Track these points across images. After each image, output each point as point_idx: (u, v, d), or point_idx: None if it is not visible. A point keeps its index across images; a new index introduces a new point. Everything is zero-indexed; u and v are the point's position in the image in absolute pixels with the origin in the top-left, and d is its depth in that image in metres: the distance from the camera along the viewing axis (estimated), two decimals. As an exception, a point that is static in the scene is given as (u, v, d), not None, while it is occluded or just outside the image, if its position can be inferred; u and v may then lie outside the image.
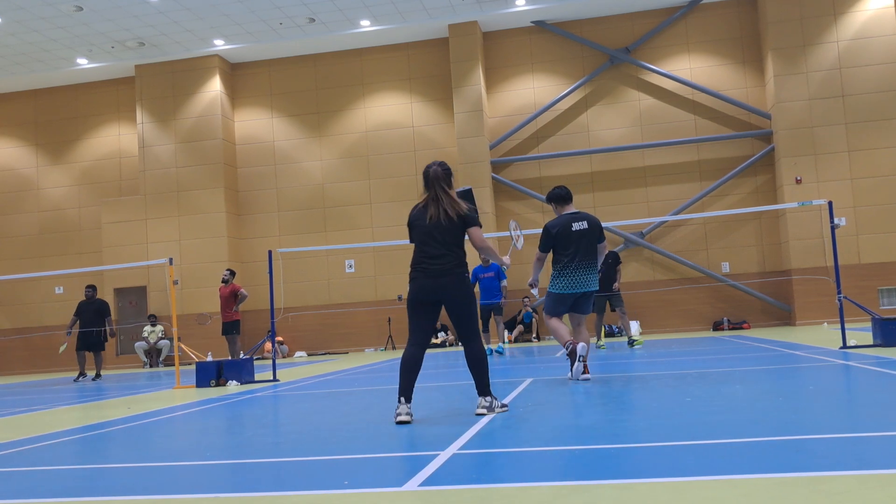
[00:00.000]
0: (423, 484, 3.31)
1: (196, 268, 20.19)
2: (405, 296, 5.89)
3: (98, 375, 15.00)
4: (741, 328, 18.21)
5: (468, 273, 5.43)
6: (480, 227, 5.49)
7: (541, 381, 7.83)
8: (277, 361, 17.44)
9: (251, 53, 20.88)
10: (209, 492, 3.48)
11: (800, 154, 18.12)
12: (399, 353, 17.37)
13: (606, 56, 19.76)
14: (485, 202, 18.92)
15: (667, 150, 19.36)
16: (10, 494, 3.69)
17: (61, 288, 21.60)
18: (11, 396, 11.59)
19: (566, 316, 7.82)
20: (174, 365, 12.30)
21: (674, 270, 19.22)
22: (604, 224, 8.16)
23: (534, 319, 19.12)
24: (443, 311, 5.47)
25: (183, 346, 12.28)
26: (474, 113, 19.49)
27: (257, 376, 11.04)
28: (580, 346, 7.26)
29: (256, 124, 21.32)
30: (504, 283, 13.97)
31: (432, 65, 20.56)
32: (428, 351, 16.89)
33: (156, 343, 20.02)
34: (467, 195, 5.88)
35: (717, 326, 18.51)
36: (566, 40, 20.02)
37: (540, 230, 7.85)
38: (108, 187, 21.92)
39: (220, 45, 20.19)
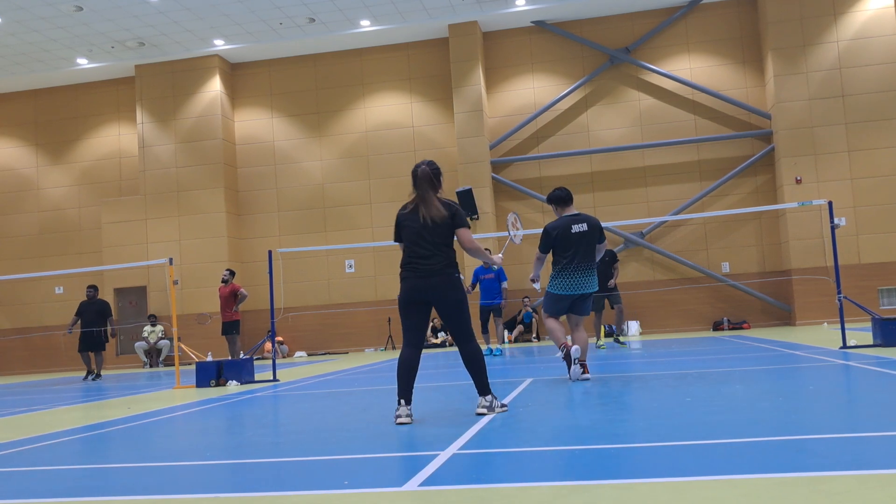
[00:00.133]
0: (423, 484, 3.31)
1: (196, 268, 20.19)
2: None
3: (98, 375, 15.01)
4: (741, 328, 18.20)
5: (459, 273, 5.42)
6: (469, 227, 5.48)
7: (541, 381, 7.83)
8: (277, 361, 17.43)
9: (251, 53, 20.88)
10: (209, 492, 3.48)
11: (800, 154, 18.12)
12: (398, 353, 17.35)
13: (606, 56, 19.76)
14: (485, 202, 18.92)
15: (667, 150, 19.36)
16: (10, 494, 3.69)
17: (61, 288, 21.60)
18: (11, 396, 11.59)
19: (565, 317, 7.85)
20: (174, 365, 12.30)
21: (674, 270, 19.22)
22: (604, 224, 8.17)
23: (534, 319, 19.11)
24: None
25: (183, 346, 12.29)
26: (474, 113, 19.48)
27: (257, 376, 11.04)
28: (574, 349, 7.31)
29: (256, 124, 21.32)
30: (505, 284, 13.97)
31: (432, 65, 20.56)
32: (427, 351, 16.92)
33: (156, 343, 20.02)
34: (467, 195, 5.88)
35: (717, 326, 18.51)
36: (566, 40, 20.02)
37: (540, 230, 7.86)
38: (108, 187, 21.92)
39: (220, 45, 20.19)
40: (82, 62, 20.67)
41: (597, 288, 7.59)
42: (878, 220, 17.79)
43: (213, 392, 9.47)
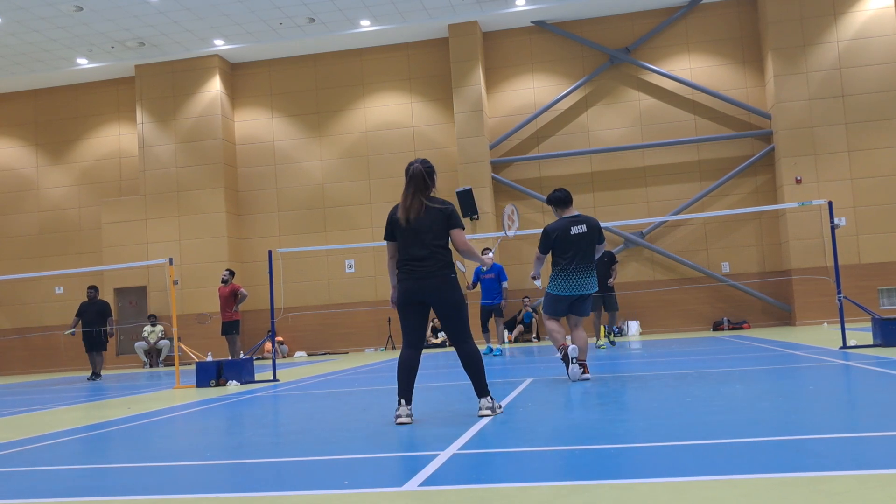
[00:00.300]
0: (423, 484, 3.31)
1: (196, 268, 20.19)
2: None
3: (98, 375, 15.03)
4: (741, 328, 18.20)
5: (455, 274, 5.41)
6: (463, 229, 5.48)
7: (541, 381, 7.83)
8: (277, 361, 17.43)
9: (251, 53, 20.88)
10: (209, 492, 3.48)
11: (800, 154, 18.12)
12: (398, 353, 17.35)
13: (606, 56, 19.76)
14: (485, 202, 18.91)
15: (667, 150, 19.36)
16: (10, 494, 3.69)
17: (61, 288, 21.60)
18: (11, 396, 11.59)
19: (565, 318, 7.88)
20: (174, 365, 12.30)
21: (674, 270, 19.22)
22: (604, 224, 8.20)
23: (534, 319, 19.11)
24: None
25: (183, 346, 12.29)
26: (474, 113, 19.48)
27: (257, 376, 11.04)
28: (572, 349, 7.35)
29: (256, 124, 21.32)
30: (505, 284, 13.97)
31: (432, 65, 20.56)
32: (427, 351, 16.91)
33: (156, 343, 20.02)
34: (467, 195, 5.88)
35: (717, 326, 18.51)
36: (566, 40, 20.02)
37: (540, 230, 7.88)
38: (108, 187, 21.92)
39: (220, 45, 20.19)
40: (82, 62, 20.67)
41: (596, 289, 7.61)
42: (878, 220, 17.79)
43: (213, 392, 9.47)
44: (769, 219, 18.95)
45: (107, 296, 20.19)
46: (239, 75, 21.47)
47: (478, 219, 18.64)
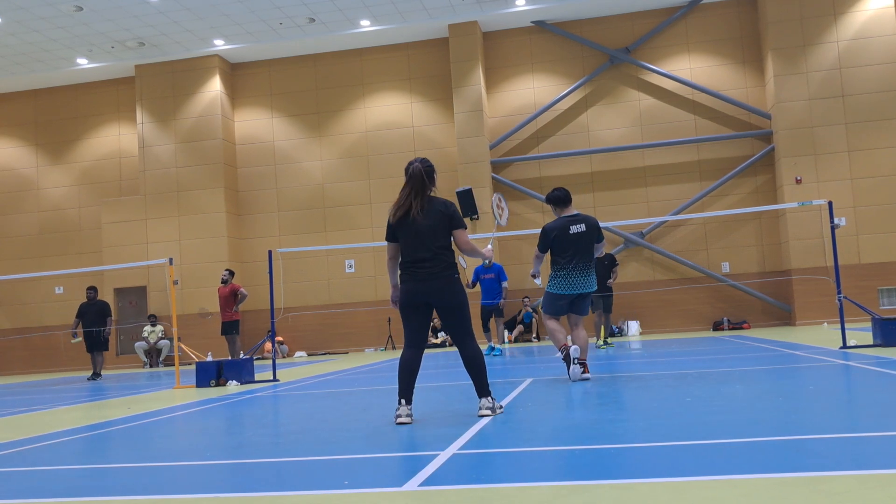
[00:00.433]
0: (423, 484, 3.31)
1: (196, 268, 20.19)
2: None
3: (98, 375, 15.06)
4: (741, 328, 18.20)
5: (458, 274, 5.41)
6: (466, 228, 5.47)
7: (541, 381, 7.84)
8: (277, 361, 17.43)
9: (251, 53, 20.88)
10: (209, 492, 3.48)
11: (800, 154, 18.12)
12: (399, 353, 17.35)
13: (606, 56, 19.76)
14: (485, 202, 18.91)
15: (667, 150, 19.36)
16: (10, 494, 3.69)
17: (61, 288, 21.60)
18: (11, 396, 11.59)
19: (564, 317, 7.89)
20: (174, 365, 12.30)
21: (674, 270, 19.22)
22: (604, 224, 8.22)
23: (534, 319, 19.11)
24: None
25: (183, 346, 12.29)
26: (474, 113, 19.49)
27: (257, 376, 11.04)
28: (573, 349, 7.36)
29: (256, 124, 21.32)
30: (505, 284, 13.98)
31: (432, 65, 20.56)
32: (427, 351, 16.91)
33: (156, 343, 20.02)
34: (467, 195, 5.88)
35: (717, 326, 18.51)
36: (566, 40, 20.02)
37: (539, 230, 7.89)
38: (108, 187, 21.92)
39: (220, 45, 20.19)
40: (82, 62, 20.67)
41: (595, 287, 7.62)
42: (878, 220, 17.79)
43: (213, 392, 9.47)
44: (769, 219, 18.95)
45: (107, 296, 20.20)
46: (239, 75, 21.47)
47: (478, 219, 18.63)
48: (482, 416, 5.26)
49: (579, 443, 4.06)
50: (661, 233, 19.38)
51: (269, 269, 10.78)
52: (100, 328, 14.94)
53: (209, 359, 11.17)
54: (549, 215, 18.32)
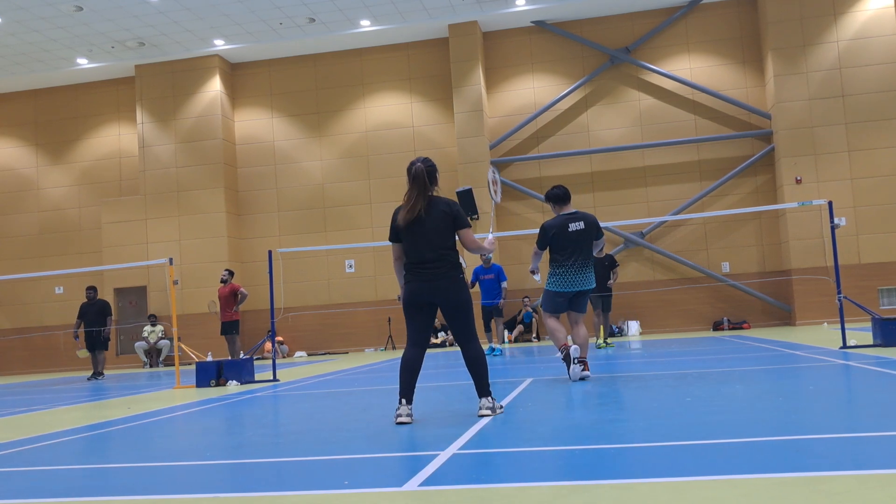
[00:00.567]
0: (423, 484, 3.31)
1: (196, 268, 20.19)
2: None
3: (101, 374, 15.14)
4: (741, 328, 18.20)
5: (463, 274, 5.41)
6: (470, 227, 5.48)
7: (541, 381, 7.83)
8: (277, 361, 17.43)
9: (251, 53, 20.88)
10: (209, 492, 3.48)
11: (800, 154, 18.12)
12: (399, 353, 17.37)
13: (606, 56, 19.76)
14: (485, 202, 18.90)
15: (667, 150, 19.36)
16: (10, 494, 3.69)
17: (61, 288, 21.60)
18: (11, 396, 11.59)
19: (564, 316, 7.91)
20: (174, 365, 12.30)
21: (674, 270, 19.22)
22: (604, 224, 8.24)
23: (534, 319, 19.11)
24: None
25: (183, 346, 12.29)
26: (474, 113, 19.49)
27: (257, 376, 11.04)
28: (573, 349, 7.37)
29: (256, 124, 21.32)
30: (504, 284, 14.00)
31: (432, 65, 20.56)
32: (428, 351, 16.92)
33: (156, 343, 20.02)
34: (467, 195, 5.89)
35: (717, 326, 18.51)
36: (566, 40, 20.02)
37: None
38: (108, 187, 21.92)
39: (220, 45, 20.19)
40: (82, 62, 20.67)
41: (594, 285, 7.65)
42: (878, 220, 17.79)
43: (213, 392, 9.47)
44: (769, 219, 18.95)
45: (107, 296, 20.20)
46: (239, 75, 21.46)
47: (478, 218, 18.42)
48: (482, 416, 5.26)
49: (579, 443, 4.06)
50: (661, 233, 19.38)
51: (269, 269, 10.78)
52: (100, 328, 14.97)
53: (209, 359, 11.17)
54: (548, 215, 18.32)
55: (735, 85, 19.33)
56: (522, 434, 4.53)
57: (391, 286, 19.95)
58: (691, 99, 19.43)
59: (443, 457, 3.89)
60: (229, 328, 15.00)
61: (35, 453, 5.10)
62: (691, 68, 19.49)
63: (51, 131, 22.29)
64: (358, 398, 7.47)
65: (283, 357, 20.00)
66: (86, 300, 15.40)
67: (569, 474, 3.35)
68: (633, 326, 18.64)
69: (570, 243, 7.48)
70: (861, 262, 17.68)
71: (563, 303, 7.62)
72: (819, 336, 12.88)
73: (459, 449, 4.11)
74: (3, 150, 22.49)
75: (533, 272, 7.92)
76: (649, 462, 3.48)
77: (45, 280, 21.30)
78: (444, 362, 12.39)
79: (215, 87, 20.65)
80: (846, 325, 10.12)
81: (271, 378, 10.71)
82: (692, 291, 19.03)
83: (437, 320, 18.80)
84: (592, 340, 14.14)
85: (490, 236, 6.07)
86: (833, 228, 10.12)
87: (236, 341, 15.08)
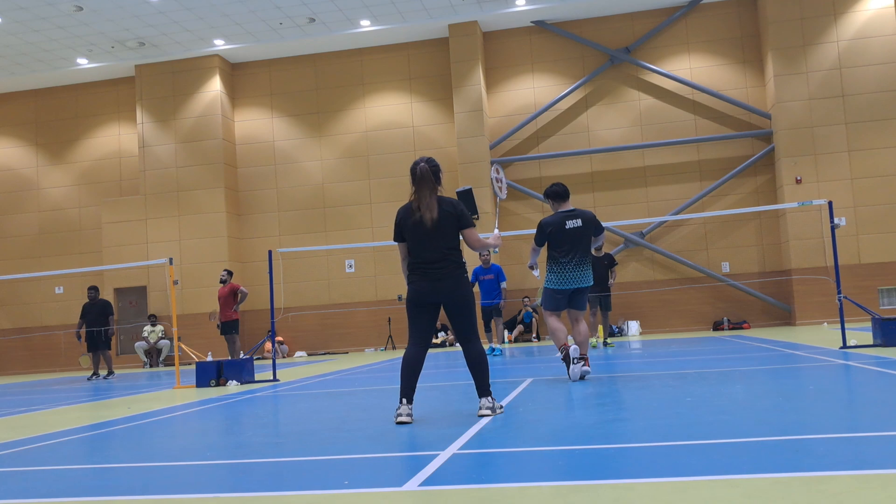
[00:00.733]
0: (423, 484, 3.31)
1: (196, 268, 20.19)
2: (405, 296, 5.89)
3: (110, 372, 15.26)
4: (741, 328, 18.20)
5: (467, 273, 5.42)
6: (474, 227, 5.49)
7: (541, 381, 7.84)
8: (277, 361, 17.43)
9: (251, 53, 20.88)
10: (209, 492, 3.48)
11: (800, 154, 18.12)
12: (399, 353, 17.37)
13: (606, 56, 19.76)
14: (485, 202, 18.92)
15: (667, 150, 19.36)
16: (10, 494, 3.69)
17: (61, 288, 21.60)
18: (11, 396, 11.59)
19: (566, 315, 7.94)
20: (174, 365, 12.31)
21: (674, 270, 19.22)
22: (604, 224, 8.25)
23: (534, 319, 19.11)
24: (442, 311, 5.46)
25: (183, 346, 12.30)
26: (474, 113, 19.49)
27: (257, 376, 11.04)
28: (573, 349, 7.39)
29: (256, 124, 21.32)
30: (504, 284, 14.01)
31: (432, 65, 20.56)
32: (428, 351, 16.93)
33: (156, 343, 20.02)
34: (468, 195, 5.89)
35: (717, 326, 18.51)
36: (566, 40, 20.02)
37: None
38: (108, 187, 21.93)
39: (220, 45, 20.19)
40: (82, 62, 20.67)
41: (592, 282, 7.69)
42: (878, 220, 17.79)
43: (213, 392, 9.47)
44: (769, 219, 18.95)
45: (107, 296, 20.22)
46: (239, 75, 21.46)
47: (478, 218, 18.54)
48: (482, 415, 5.26)
49: (579, 443, 4.06)
50: (661, 233, 19.38)
51: (269, 269, 10.78)
52: (103, 328, 15.00)
53: (209, 359, 11.17)
54: (549, 214, 18.31)
55: (735, 85, 19.33)
56: (522, 434, 4.53)
57: (391, 286, 19.96)
58: (691, 99, 19.43)
59: (443, 457, 3.89)
60: (229, 328, 15.00)
61: (35, 453, 5.10)
62: (691, 68, 19.49)
63: (51, 131, 22.29)
64: (358, 398, 7.47)
65: (283, 357, 20.00)
66: (88, 300, 15.42)
67: (569, 474, 3.35)
68: (633, 326, 18.64)
69: (568, 241, 7.53)
70: (861, 262, 17.68)
71: (563, 300, 7.67)
72: (819, 336, 12.88)
73: (459, 449, 4.11)
74: (3, 150, 22.49)
75: (531, 267, 8.00)
76: (649, 462, 3.48)
77: (45, 280, 21.30)
78: (444, 362, 12.39)
79: (215, 87, 20.65)
80: (846, 325, 10.12)
81: (271, 378, 10.71)
82: (692, 291, 19.04)
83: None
84: (591, 340, 14.13)
85: (496, 231, 6.10)
86: (833, 228, 10.12)
87: (236, 341, 15.09)
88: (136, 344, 20.08)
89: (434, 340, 19.13)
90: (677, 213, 18.74)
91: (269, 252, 10.94)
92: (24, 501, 3.52)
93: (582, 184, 19.41)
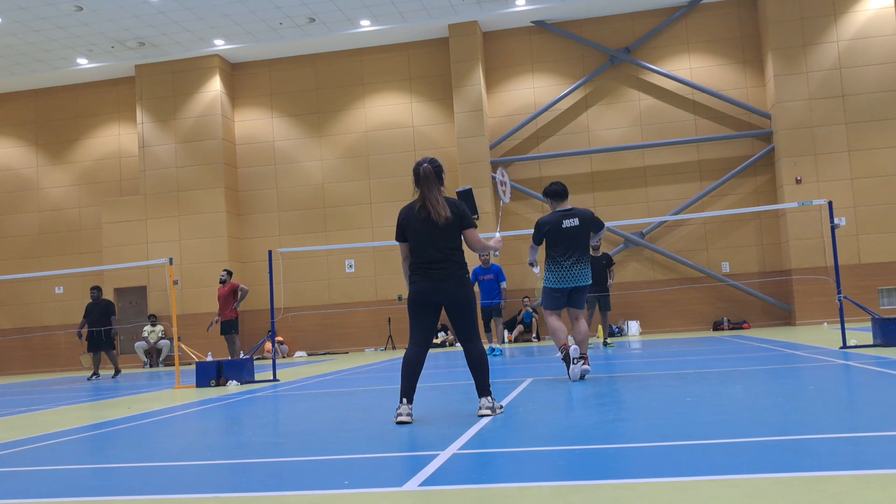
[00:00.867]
0: (423, 484, 3.31)
1: (196, 268, 20.19)
2: (405, 296, 5.90)
3: (118, 371, 15.34)
4: (741, 328, 18.20)
5: (468, 273, 5.43)
6: (476, 227, 5.50)
7: (541, 381, 7.84)
8: (277, 361, 17.43)
9: (251, 53, 20.88)
10: (209, 492, 3.48)
11: (800, 154, 18.12)
12: (399, 353, 17.37)
13: (606, 56, 19.76)
14: (485, 202, 18.92)
15: (667, 150, 19.36)
16: (10, 494, 3.69)
17: (61, 288, 21.60)
18: (11, 396, 11.59)
19: (566, 314, 7.96)
20: (174, 365, 12.31)
21: (674, 270, 19.22)
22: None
23: (534, 319, 19.11)
24: (443, 311, 5.47)
25: (183, 346, 12.30)
26: (474, 113, 19.49)
27: (257, 376, 11.04)
28: (573, 349, 7.40)
29: (256, 124, 21.32)
30: (504, 284, 14.02)
31: (432, 65, 20.56)
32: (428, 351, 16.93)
33: (156, 343, 20.03)
34: (467, 195, 5.89)
35: (718, 326, 18.51)
36: (566, 40, 20.02)
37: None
38: (108, 187, 21.93)
39: (220, 45, 20.19)
40: (82, 62, 20.67)
41: (590, 280, 7.70)
42: (878, 220, 17.79)
43: (213, 392, 9.47)
44: (769, 219, 18.95)
45: (107, 296, 20.23)
46: (239, 75, 21.47)
47: (478, 218, 18.56)
48: (482, 415, 5.26)
49: (579, 443, 4.06)
50: (661, 233, 19.38)
51: (269, 269, 10.78)
52: (105, 328, 15.03)
53: (209, 359, 11.17)
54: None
55: (735, 85, 19.33)
56: (522, 434, 4.53)
57: (391, 286, 19.96)
58: (691, 99, 19.43)
59: (443, 457, 3.89)
60: (229, 328, 15.00)
61: (35, 453, 5.10)
62: (691, 68, 19.49)
63: (51, 131, 22.29)
64: (358, 398, 7.47)
65: (283, 357, 20.00)
66: (91, 300, 15.45)
67: (569, 474, 3.35)
68: (633, 326, 18.64)
69: (565, 240, 7.56)
70: (861, 262, 17.68)
71: (562, 299, 7.69)
72: (819, 336, 12.88)
73: (459, 449, 4.11)
74: (3, 150, 22.49)
75: (531, 264, 8.04)
76: (649, 462, 3.48)
77: (45, 280, 21.31)
78: (444, 362, 12.39)
79: (215, 87, 20.65)
80: (846, 325, 10.12)
81: (271, 378, 10.71)
82: (692, 291, 19.04)
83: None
84: (592, 340, 14.13)
85: (497, 235, 6.11)
86: (833, 228, 10.12)
87: (236, 341, 15.08)
88: (136, 344, 20.09)
89: (434, 340, 19.10)
90: (677, 213, 18.74)
91: (269, 252, 10.94)
92: (24, 501, 3.52)
93: (582, 184, 19.41)
